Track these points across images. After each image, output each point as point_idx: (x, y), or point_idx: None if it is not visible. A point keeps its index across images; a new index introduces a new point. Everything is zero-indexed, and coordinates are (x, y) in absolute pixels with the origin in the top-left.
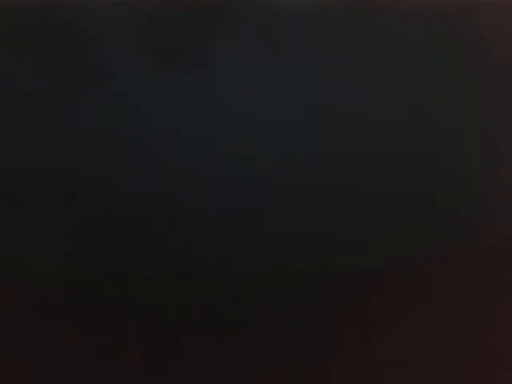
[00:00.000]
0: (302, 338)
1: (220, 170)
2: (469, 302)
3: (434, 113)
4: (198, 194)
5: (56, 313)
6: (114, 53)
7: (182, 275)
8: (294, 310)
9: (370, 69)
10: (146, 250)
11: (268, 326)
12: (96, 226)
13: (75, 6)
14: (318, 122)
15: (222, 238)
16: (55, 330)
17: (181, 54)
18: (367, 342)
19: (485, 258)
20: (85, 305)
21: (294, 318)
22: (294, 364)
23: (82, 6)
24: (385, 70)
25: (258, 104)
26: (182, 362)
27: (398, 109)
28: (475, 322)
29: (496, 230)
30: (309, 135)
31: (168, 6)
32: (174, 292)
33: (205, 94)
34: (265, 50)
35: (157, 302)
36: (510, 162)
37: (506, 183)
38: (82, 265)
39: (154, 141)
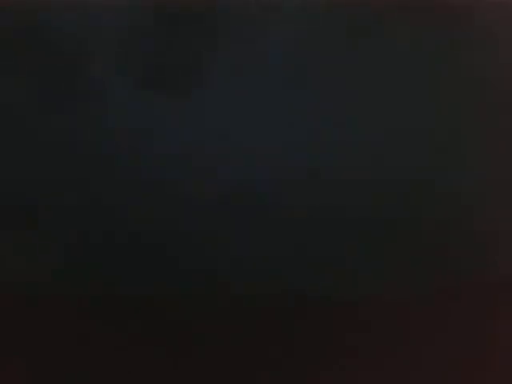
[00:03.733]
0: (296, 360)
1: (212, 191)
2: (465, 336)
3: (434, 125)
4: (190, 215)
5: (59, 329)
6: (102, 70)
7: (182, 299)
8: (294, 334)
9: (367, 80)
10: (142, 269)
11: (265, 350)
12: (83, 243)
13: (63, 24)
14: (312, 146)
15: (218, 261)
16: (56, 345)
17: (167, 78)
18: (363, 367)
19: (484, 293)
20: (86, 320)
21: (292, 342)
22: None
23: (68, 29)
24: (383, 75)
25: (247, 130)
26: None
27: (396, 119)
28: (471, 355)
29: (496, 265)
30: (303, 159)
31: (156, 32)
32: (173, 314)
33: (191, 118)
34: (254, 78)
35: (155, 321)
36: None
37: (507, 216)
38: (81, 282)
39: (143, 159)
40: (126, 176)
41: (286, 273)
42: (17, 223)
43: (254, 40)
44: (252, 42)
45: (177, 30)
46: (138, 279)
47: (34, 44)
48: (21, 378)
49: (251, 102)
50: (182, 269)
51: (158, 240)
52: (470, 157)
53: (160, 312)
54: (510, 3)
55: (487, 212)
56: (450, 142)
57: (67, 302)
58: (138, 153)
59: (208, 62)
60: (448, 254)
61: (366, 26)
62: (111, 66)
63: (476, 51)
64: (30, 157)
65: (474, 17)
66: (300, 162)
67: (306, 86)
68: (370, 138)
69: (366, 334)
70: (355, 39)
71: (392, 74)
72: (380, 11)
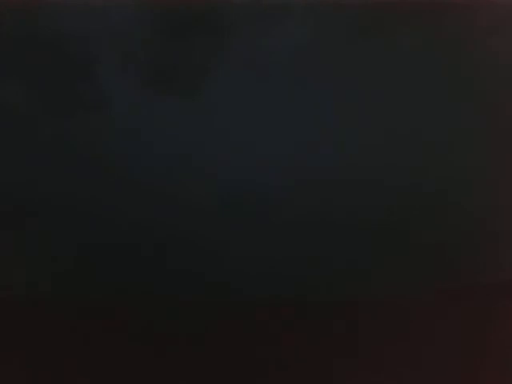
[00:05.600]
0: (296, 361)
1: (213, 194)
2: (467, 336)
3: (434, 125)
4: (192, 219)
5: (58, 331)
6: (107, 77)
7: (181, 300)
8: (294, 335)
9: (371, 81)
10: (141, 272)
11: (264, 350)
12: (86, 250)
13: (67, 29)
14: (314, 146)
15: (218, 264)
16: (59, 354)
17: (174, 78)
18: (363, 367)
19: (484, 292)
20: (85, 323)
21: (292, 342)
22: None
23: (74, 29)
24: (386, 75)
25: (253, 131)
26: None
27: (398, 120)
28: (471, 356)
29: (496, 265)
30: (306, 159)
31: (163, 31)
32: (173, 315)
33: (198, 119)
34: (260, 78)
35: (154, 324)
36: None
37: (507, 217)
38: (79, 283)
39: (148, 165)
40: (135, 177)
41: (286, 273)
42: (18, 225)
43: (262, 40)
44: (260, 42)
45: (185, 29)
46: (137, 282)
47: (40, 45)
48: (20, 379)
49: (260, 103)
50: (181, 269)
51: (159, 241)
52: (470, 157)
53: (160, 315)
54: (510, 3)
55: (488, 213)
56: (450, 142)
57: (66, 304)
58: (144, 154)
59: (217, 62)
60: (448, 256)
61: (368, 26)
62: (118, 66)
63: (476, 51)
64: (33, 158)
65: (474, 17)
66: (308, 163)
67: (313, 86)
68: (372, 139)
69: (366, 334)
70: (361, 39)
71: (397, 73)
72: (382, 11)
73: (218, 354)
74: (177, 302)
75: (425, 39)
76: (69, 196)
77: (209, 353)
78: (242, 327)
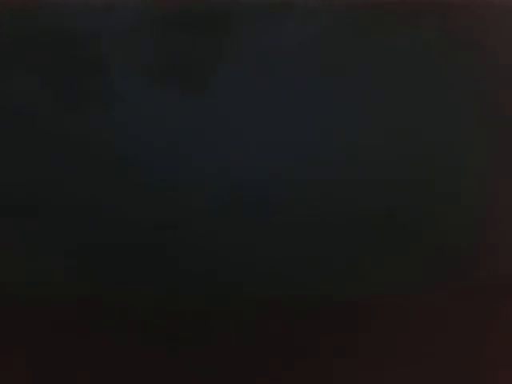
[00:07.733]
0: (296, 361)
1: (213, 194)
2: (467, 336)
3: (434, 125)
4: (192, 219)
5: (60, 336)
6: (117, 73)
7: (181, 299)
8: (294, 335)
9: (373, 81)
10: (140, 276)
11: (265, 350)
12: (88, 247)
13: (79, 27)
14: (314, 146)
15: (218, 264)
16: (58, 354)
17: (174, 78)
18: (363, 367)
19: (484, 292)
20: (86, 321)
21: (292, 342)
22: None
23: (85, 27)
24: (389, 75)
25: (254, 131)
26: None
27: (398, 120)
28: (472, 356)
29: (496, 264)
30: (305, 159)
31: (171, 29)
32: (173, 314)
33: (199, 119)
34: (265, 75)
35: (155, 321)
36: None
37: (507, 217)
38: (82, 282)
39: (150, 165)
40: (135, 176)
41: (286, 273)
42: (18, 225)
43: (263, 40)
44: (261, 42)
45: (186, 29)
46: (137, 282)
47: (40, 45)
48: (20, 379)
49: (261, 103)
50: (182, 269)
51: (159, 241)
52: (470, 157)
53: (160, 315)
54: (510, 3)
55: (488, 213)
56: (449, 141)
57: (66, 304)
58: (145, 153)
59: (218, 62)
60: (448, 256)
61: (368, 26)
62: (120, 66)
63: (475, 51)
64: (39, 156)
65: (473, 17)
66: (308, 163)
67: (313, 86)
68: (372, 138)
69: (366, 334)
70: (361, 39)
71: (396, 73)
72: (382, 11)
73: (218, 353)
74: (177, 301)
75: (425, 39)
76: (69, 196)
77: (209, 352)
78: (242, 327)
